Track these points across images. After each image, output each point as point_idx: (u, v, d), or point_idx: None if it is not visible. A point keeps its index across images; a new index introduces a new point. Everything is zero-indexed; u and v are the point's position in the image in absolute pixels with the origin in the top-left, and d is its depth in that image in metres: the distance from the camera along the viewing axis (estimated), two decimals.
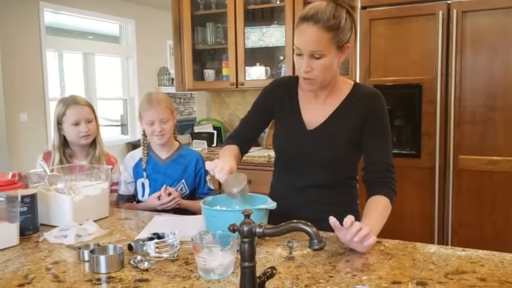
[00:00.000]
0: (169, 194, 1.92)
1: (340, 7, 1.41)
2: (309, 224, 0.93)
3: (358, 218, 1.64)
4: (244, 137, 1.73)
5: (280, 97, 1.64)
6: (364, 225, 1.27)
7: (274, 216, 1.39)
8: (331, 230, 1.34)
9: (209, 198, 1.50)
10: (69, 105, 1.99)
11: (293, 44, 1.48)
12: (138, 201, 2.07)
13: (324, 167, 1.56)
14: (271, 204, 1.38)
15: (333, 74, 1.50)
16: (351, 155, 1.58)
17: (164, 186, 1.94)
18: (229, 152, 1.62)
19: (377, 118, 1.53)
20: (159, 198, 1.93)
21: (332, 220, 1.27)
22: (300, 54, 1.44)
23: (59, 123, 1.99)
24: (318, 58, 1.41)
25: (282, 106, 1.64)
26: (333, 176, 1.58)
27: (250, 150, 3.32)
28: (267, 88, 1.70)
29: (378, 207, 1.45)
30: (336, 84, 1.56)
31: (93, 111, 2.05)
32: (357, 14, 2.73)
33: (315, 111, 1.58)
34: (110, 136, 7.51)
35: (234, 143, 1.69)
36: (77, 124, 1.97)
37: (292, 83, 1.64)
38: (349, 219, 1.25)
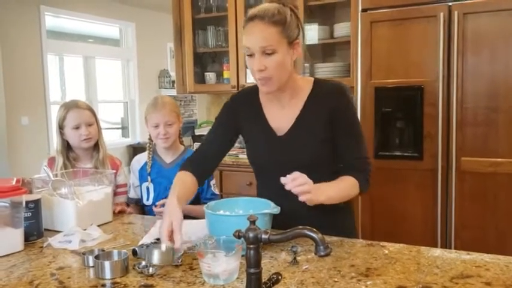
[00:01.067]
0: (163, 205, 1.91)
1: (283, 5, 1.43)
2: (315, 230, 0.93)
3: (350, 216, 1.67)
4: (205, 159, 1.63)
5: (244, 110, 1.61)
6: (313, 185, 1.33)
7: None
8: (331, 234, 1.38)
9: (212, 202, 1.50)
10: (69, 109, 2.00)
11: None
12: (143, 206, 2.08)
13: (303, 169, 1.50)
14: (275, 209, 1.38)
15: (289, 73, 1.47)
16: (327, 152, 1.54)
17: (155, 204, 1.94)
18: (175, 186, 1.47)
19: (343, 115, 1.52)
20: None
21: (282, 179, 1.32)
22: (251, 55, 1.42)
23: (61, 127, 2.00)
24: (269, 54, 1.39)
25: (248, 118, 1.60)
26: (314, 175, 1.49)
27: None
28: (228, 104, 1.66)
29: (342, 181, 1.48)
30: (295, 84, 1.53)
31: (94, 114, 2.05)
32: (358, 17, 2.74)
33: (280, 117, 1.55)
34: (111, 139, 7.52)
35: (190, 170, 1.57)
36: (77, 128, 1.97)
37: (252, 92, 1.61)
38: (293, 174, 1.32)
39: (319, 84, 1.56)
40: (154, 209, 1.90)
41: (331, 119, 1.51)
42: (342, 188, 1.48)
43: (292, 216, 1.41)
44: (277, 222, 1.41)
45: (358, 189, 1.50)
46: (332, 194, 1.43)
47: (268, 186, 1.63)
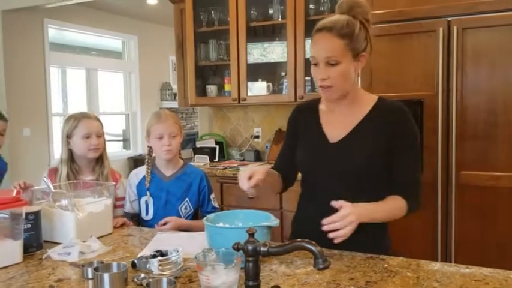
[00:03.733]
0: (165, 224, 1.90)
1: (354, 18, 1.45)
2: (313, 243, 0.93)
3: (386, 241, 1.63)
4: (285, 172, 1.69)
5: (303, 119, 1.65)
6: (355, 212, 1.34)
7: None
8: (355, 250, 1.42)
9: (212, 215, 1.51)
10: (80, 119, 2.04)
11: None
12: (142, 220, 2.07)
13: (349, 182, 1.52)
14: (274, 222, 1.38)
15: (351, 83, 1.50)
16: (377, 164, 1.52)
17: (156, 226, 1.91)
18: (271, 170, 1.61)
19: (403, 134, 1.51)
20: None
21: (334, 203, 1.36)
22: (316, 64, 1.47)
23: (68, 136, 2.02)
24: (333, 65, 1.43)
25: (305, 127, 1.64)
26: (362, 187, 1.52)
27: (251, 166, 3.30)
28: (290, 117, 1.71)
29: (389, 202, 1.49)
30: (357, 96, 1.56)
31: (102, 127, 2.09)
32: None
33: (337, 125, 1.56)
34: (112, 151, 7.52)
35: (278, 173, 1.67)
36: (87, 137, 2.00)
37: (312, 103, 1.65)
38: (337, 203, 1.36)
39: (383, 101, 1.57)
40: (157, 228, 1.88)
41: (390, 135, 1.50)
42: (387, 210, 1.48)
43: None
44: (314, 232, 1.41)
45: (405, 211, 1.50)
46: (375, 216, 1.45)
47: (309, 196, 1.63)
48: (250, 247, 0.97)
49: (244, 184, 1.43)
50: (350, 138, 1.53)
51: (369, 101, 1.56)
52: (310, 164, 1.61)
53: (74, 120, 2.03)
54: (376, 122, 1.52)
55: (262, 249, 0.97)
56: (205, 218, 1.45)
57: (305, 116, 1.65)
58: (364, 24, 1.47)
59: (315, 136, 1.59)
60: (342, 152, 1.53)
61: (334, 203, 1.36)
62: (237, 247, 0.99)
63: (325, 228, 1.31)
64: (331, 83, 1.45)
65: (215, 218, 1.48)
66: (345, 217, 1.31)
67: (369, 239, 1.48)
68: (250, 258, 0.97)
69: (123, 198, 2.09)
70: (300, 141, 1.65)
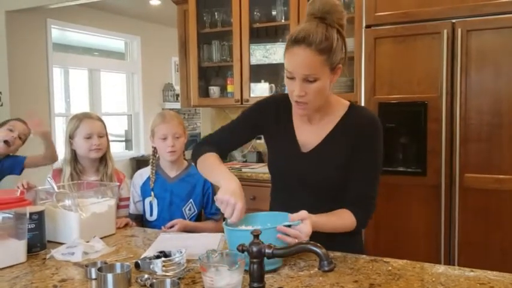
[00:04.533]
0: (172, 226, 1.89)
1: (330, 27, 1.37)
2: (319, 245, 0.93)
3: (360, 237, 1.63)
4: (225, 146, 1.65)
5: (276, 115, 1.60)
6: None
7: None
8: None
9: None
10: (82, 119, 2.05)
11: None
12: (146, 221, 2.07)
13: (318, 191, 1.52)
14: (296, 222, 1.35)
15: (326, 96, 1.46)
16: (345, 179, 1.50)
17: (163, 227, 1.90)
18: (220, 164, 1.54)
19: (366, 147, 1.48)
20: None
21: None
22: (292, 78, 1.39)
23: (71, 137, 2.03)
24: (311, 82, 1.37)
25: (277, 124, 1.59)
26: (329, 203, 1.50)
27: (254, 167, 3.33)
28: (262, 103, 1.64)
29: (338, 216, 1.46)
30: (330, 105, 1.52)
31: (105, 127, 2.09)
32: (362, 33, 2.76)
33: (309, 133, 1.54)
34: (115, 151, 7.51)
35: (214, 151, 1.59)
36: (89, 137, 2.00)
37: (288, 100, 1.55)
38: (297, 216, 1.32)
39: (354, 109, 1.53)
40: (163, 229, 1.87)
41: (355, 145, 1.48)
42: (332, 224, 1.44)
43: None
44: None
45: (353, 227, 1.47)
46: (321, 229, 1.39)
47: (279, 200, 1.63)
48: (255, 249, 0.97)
49: (236, 217, 1.34)
50: (320, 149, 1.51)
51: (340, 109, 1.53)
52: (281, 170, 1.60)
53: (76, 120, 2.04)
54: (346, 131, 1.49)
55: (267, 251, 0.96)
56: (224, 221, 1.39)
57: (279, 113, 1.60)
58: (340, 33, 1.39)
59: (287, 142, 1.57)
60: (312, 163, 1.51)
61: (294, 216, 1.32)
62: (241, 249, 0.99)
63: (278, 236, 1.27)
64: (307, 99, 1.40)
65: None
66: (297, 236, 1.26)
67: (343, 239, 1.48)
68: (255, 260, 0.97)
69: (127, 199, 2.09)
70: (269, 139, 1.62)
